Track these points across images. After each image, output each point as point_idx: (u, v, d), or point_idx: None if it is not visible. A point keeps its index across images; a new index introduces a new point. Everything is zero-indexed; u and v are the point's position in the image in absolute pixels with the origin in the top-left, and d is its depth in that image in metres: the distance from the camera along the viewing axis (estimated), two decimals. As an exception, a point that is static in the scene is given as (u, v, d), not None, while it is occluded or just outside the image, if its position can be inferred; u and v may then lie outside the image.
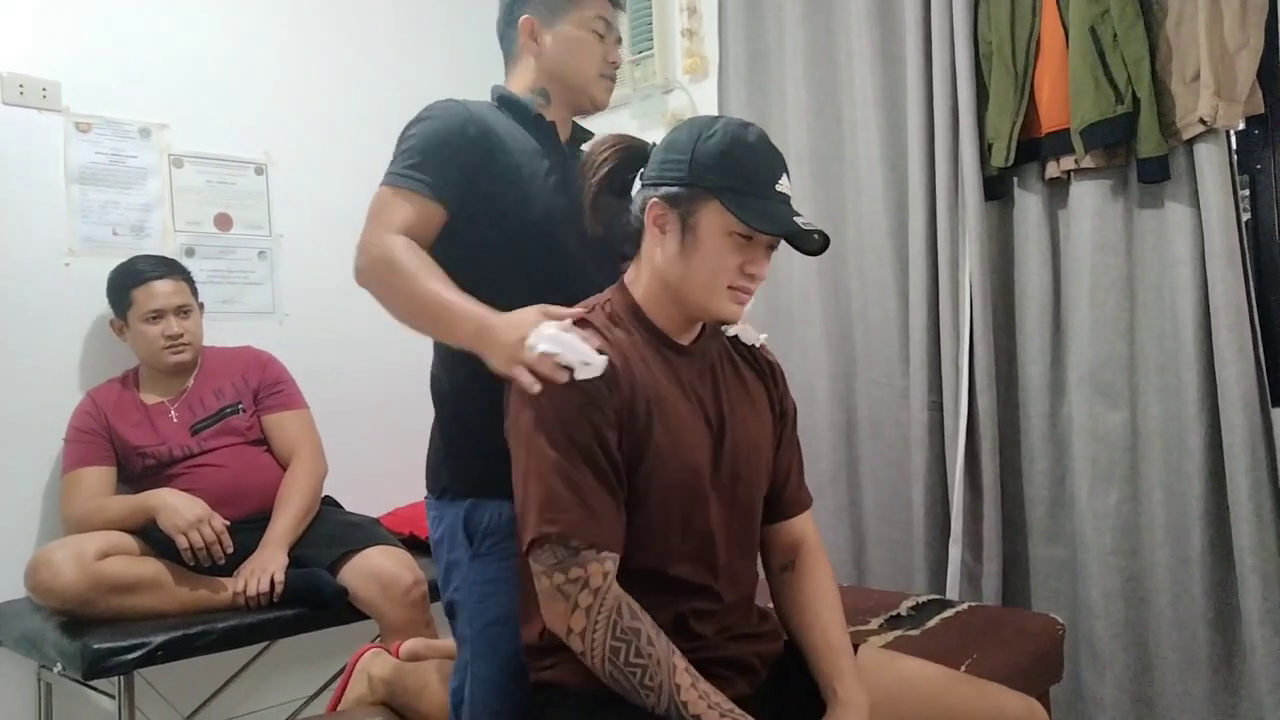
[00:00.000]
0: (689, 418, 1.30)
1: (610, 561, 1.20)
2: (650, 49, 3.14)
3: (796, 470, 1.50)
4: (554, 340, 1.22)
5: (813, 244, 1.30)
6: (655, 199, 1.29)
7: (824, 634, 1.38)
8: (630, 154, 1.37)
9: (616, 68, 1.64)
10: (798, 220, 1.26)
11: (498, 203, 1.48)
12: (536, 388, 1.21)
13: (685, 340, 1.35)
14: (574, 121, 1.68)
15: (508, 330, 1.27)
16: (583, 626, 1.18)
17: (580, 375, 1.22)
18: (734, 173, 1.26)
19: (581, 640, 1.19)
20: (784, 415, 1.48)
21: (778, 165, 1.30)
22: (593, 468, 1.21)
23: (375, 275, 1.41)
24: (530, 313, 1.29)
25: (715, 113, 2.91)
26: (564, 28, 1.58)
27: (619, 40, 1.65)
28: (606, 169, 1.36)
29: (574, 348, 1.22)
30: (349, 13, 3.06)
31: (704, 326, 1.38)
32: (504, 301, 1.34)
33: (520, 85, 1.62)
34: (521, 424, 1.24)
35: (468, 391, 1.48)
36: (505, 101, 1.60)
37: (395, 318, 1.42)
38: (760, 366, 1.47)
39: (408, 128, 1.52)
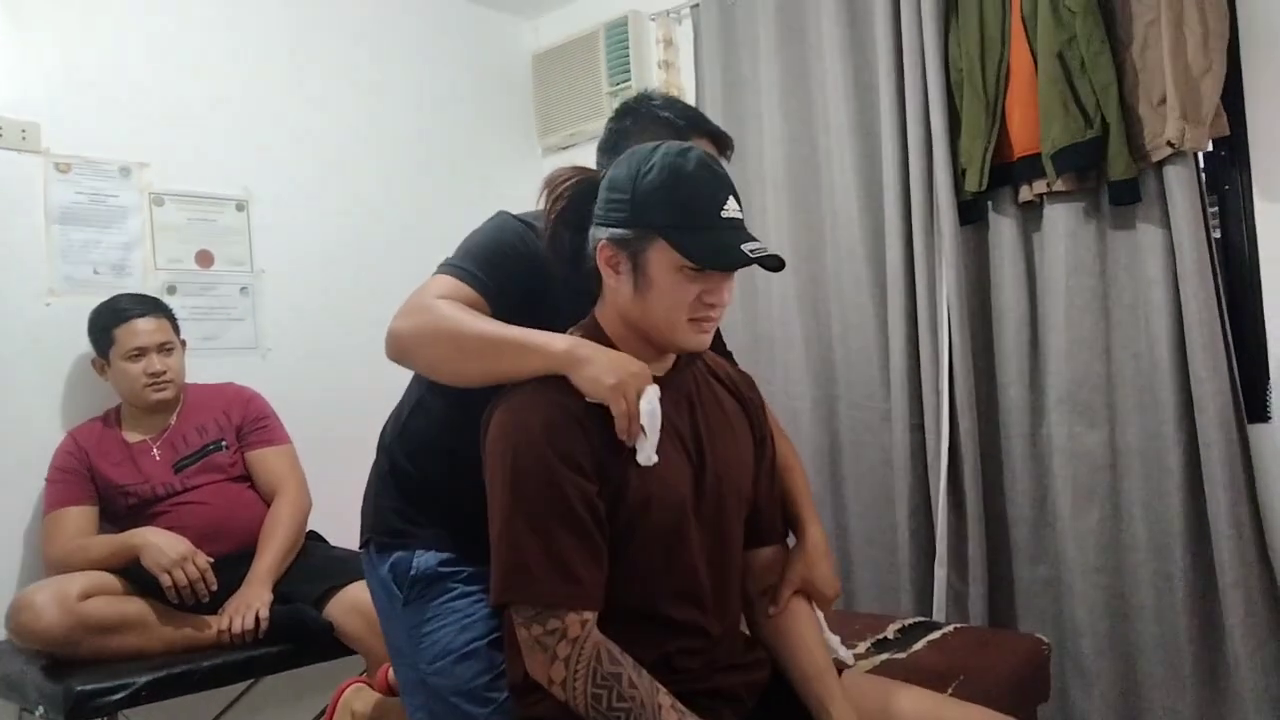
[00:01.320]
0: (668, 452, 1.30)
1: (589, 613, 1.21)
2: (628, 80, 3.17)
3: (776, 495, 1.51)
4: (653, 416, 1.25)
5: (767, 265, 1.26)
6: (604, 241, 1.28)
7: (809, 657, 1.38)
8: (586, 187, 1.34)
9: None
10: (746, 248, 1.23)
11: (532, 316, 1.39)
12: (634, 430, 1.23)
13: (659, 371, 1.33)
14: None
15: (612, 366, 1.25)
16: (563, 677, 1.18)
17: (639, 456, 1.25)
18: (676, 207, 1.23)
19: (563, 690, 1.19)
20: (763, 440, 1.48)
21: (721, 190, 1.26)
22: (570, 526, 1.20)
23: (426, 328, 1.35)
24: (632, 362, 1.27)
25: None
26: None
27: None
28: (560, 206, 1.33)
29: (655, 432, 1.25)
30: (326, 49, 3.08)
31: (678, 355, 1.37)
32: None
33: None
34: (499, 484, 1.23)
35: (414, 450, 1.50)
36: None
37: (448, 367, 1.36)
38: (738, 390, 1.47)
39: (475, 232, 1.49)
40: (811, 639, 1.40)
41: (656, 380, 1.31)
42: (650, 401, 1.25)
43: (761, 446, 1.47)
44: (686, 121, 1.55)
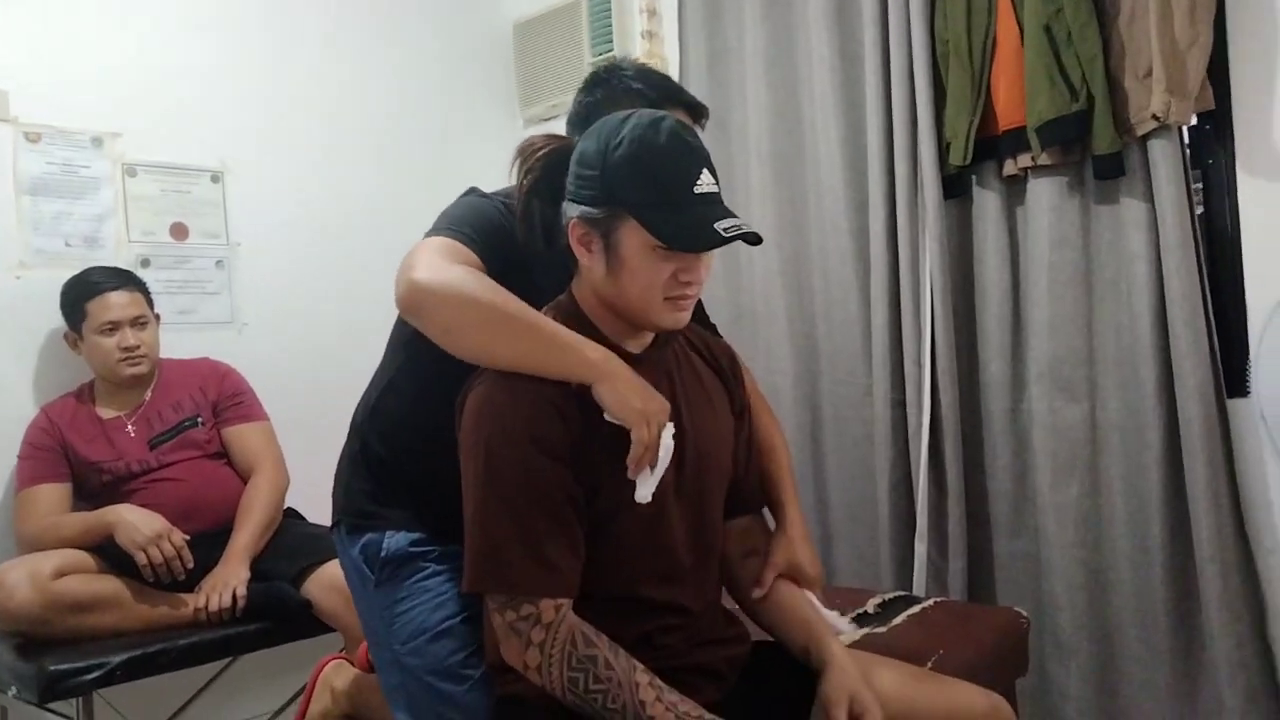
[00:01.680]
0: None
1: (564, 599, 1.20)
2: (611, 50, 3.13)
3: (755, 467, 1.50)
4: (666, 453, 1.23)
5: (745, 240, 1.22)
6: (574, 219, 1.24)
7: (794, 608, 1.40)
8: (559, 157, 1.28)
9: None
10: (719, 226, 1.19)
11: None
12: (646, 461, 1.22)
13: (637, 349, 1.31)
14: None
15: (642, 392, 1.23)
16: (538, 662, 1.17)
17: (639, 492, 1.23)
18: (647, 185, 1.19)
19: (539, 675, 1.18)
20: (742, 413, 1.47)
21: (694, 164, 1.21)
22: (546, 513, 1.19)
23: (456, 290, 1.26)
24: (658, 395, 1.26)
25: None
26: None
27: None
28: (533, 178, 1.28)
29: (662, 469, 1.24)
30: (303, 17, 3.03)
31: (657, 333, 1.35)
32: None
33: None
34: (474, 470, 1.21)
35: (385, 431, 1.49)
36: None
37: (470, 338, 1.27)
38: (718, 363, 1.45)
39: (455, 203, 1.46)
40: (795, 591, 1.42)
41: (633, 359, 1.29)
42: (667, 438, 1.23)
43: (741, 419, 1.46)
44: (659, 93, 1.49)
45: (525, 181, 1.29)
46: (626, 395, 1.21)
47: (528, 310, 1.26)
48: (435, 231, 1.37)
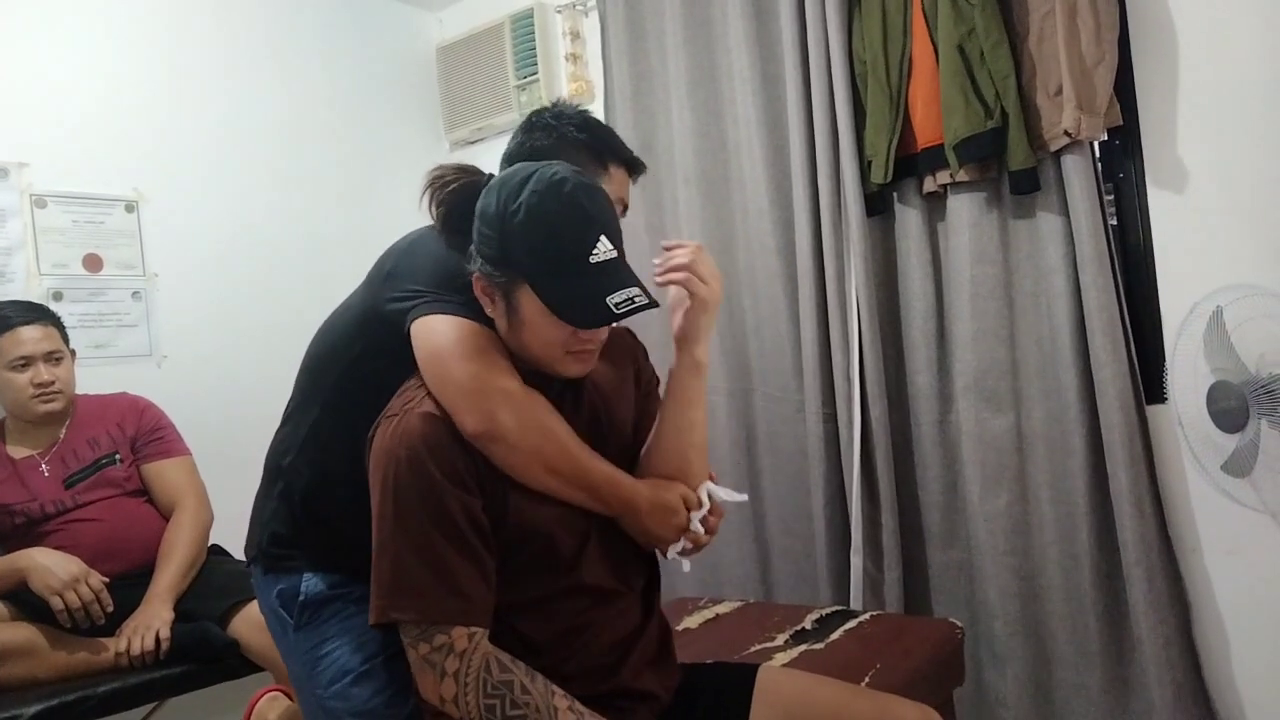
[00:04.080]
0: None
1: (477, 628, 1.18)
2: (535, 74, 3.13)
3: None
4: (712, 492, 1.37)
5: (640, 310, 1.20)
6: (476, 273, 1.23)
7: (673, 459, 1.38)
8: (467, 192, 1.28)
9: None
10: (612, 301, 1.17)
11: None
12: (706, 540, 1.35)
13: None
14: None
15: (673, 499, 1.35)
16: (454, 693, 1.15)
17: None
18: (542, 254, 1.17)
19: (456, 707, 1.16)
20: (646, 385, 1.47)
21: (592, 230, 1.18)
22: (455, 542, 1.18)
23: (533, 441, 1.24)
24: (674, 493, 1.35)
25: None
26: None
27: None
28: (443, 211, 1.29)
29: (718, 494, 1.38)
30: (221, 40, 2.97)
31: None
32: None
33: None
34: (381, 501, 1.20)
35: (309, 478, 1.43)
36: None
37: (521, 470, 1.25)
38: (623, 350, 1.46)
39: (405, 256, 1.37)
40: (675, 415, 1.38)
41: (544, 374, 1.28)
42: (723, 493, 1.39)
43: (645, 392, 1.46)
44: (603, 146, 1.48)
45: (437, 214, 1.29)
46: (669, 525, 1.33)
47: (588, 459, 1.29)
48: (443, 306, 1.28)
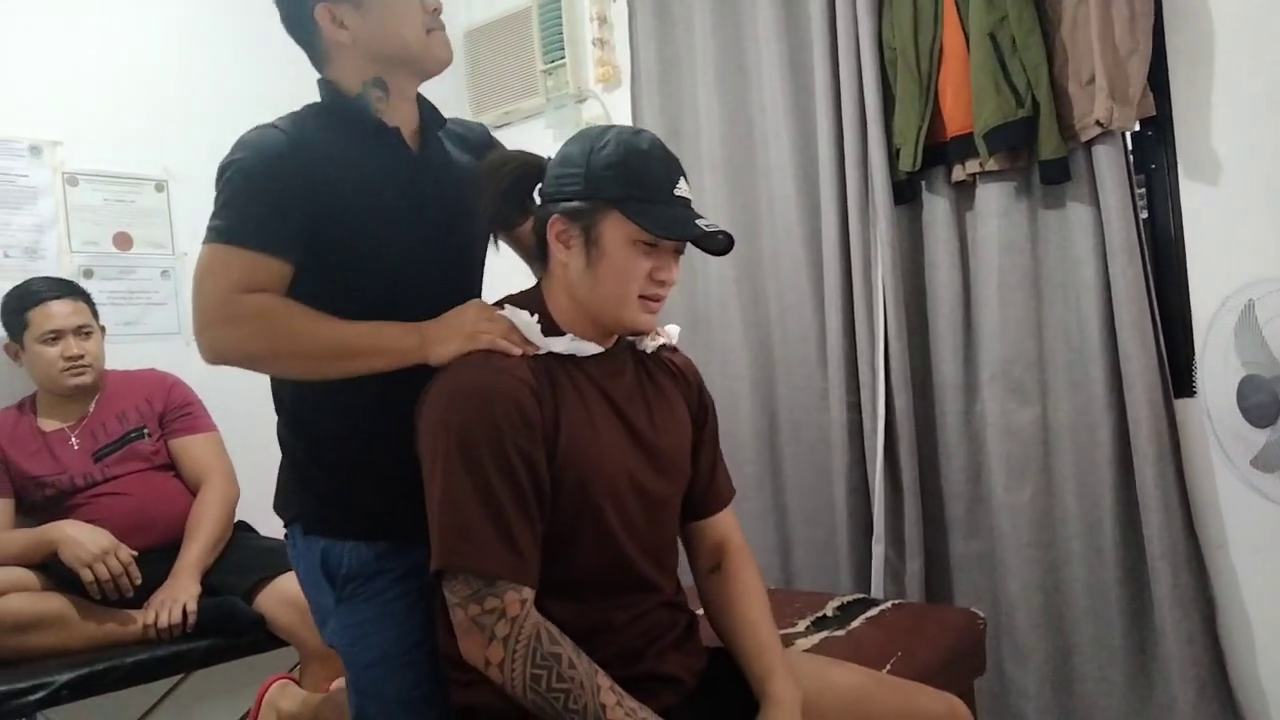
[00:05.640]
0: (606, 426, 1.29)
1: (528, 590, 1.18)
2: (562, 58, 3.13)
3: (719, 465, 1.51)
4: (518, 316, 1.27)
5: (717, 244, 1.30)
6: (556, 215, 1.27)
7: (753, 633, 1.38)
8: (528, 169, 1.35)
9: (439, 12, 1.41)
10: (700, 223, 1.25)
11: (348, 250, 1.33)
12: (516, 351, 1.24)
13: (602, 350, 1.33)
14: (421, 104, 1.47)
15: (453, 319, 1.28)
16: (500, 658, 1.16)
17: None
18: (631, 181, 1.25)
19: (500, 671, 1.16)
20: (702, 412, 1.48)
21: (674, 170, 1.29)
22: (517, 498, 1.18)
23: (248, 338, 1.26)
24: (469, 306, 1.30)
25: (630, 122, 2.91)
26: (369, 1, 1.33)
27: None
28: (505, 186, 1.33)
29: (533, 328, 1.27)
30: (250, 22, 2.97)
31: (620, 337, 1.37)
32: None
33: (346, 75, 1.38)
34: (441, 445, 1.19)
35: (330, 431, 1.40)
36: (335, 110, 1.38)
37: (285, 373, 1.33)
38: (671, 369, 1.47)
39: (223, 169, 1.31)
40: (756, 615, 1.40)
41: (597, 359, 1.31)
42: (509, 312, 1.29)
43: (700, 418, 1.47)
44: None
45: (498, 186, 1.32)
46: (449, 337, 1.25)
47: (328, 329, 1.26)
48: (209, 234, 1.29)
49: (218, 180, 1.32)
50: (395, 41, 1.36)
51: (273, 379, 1.45)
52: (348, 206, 1.32)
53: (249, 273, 1.26)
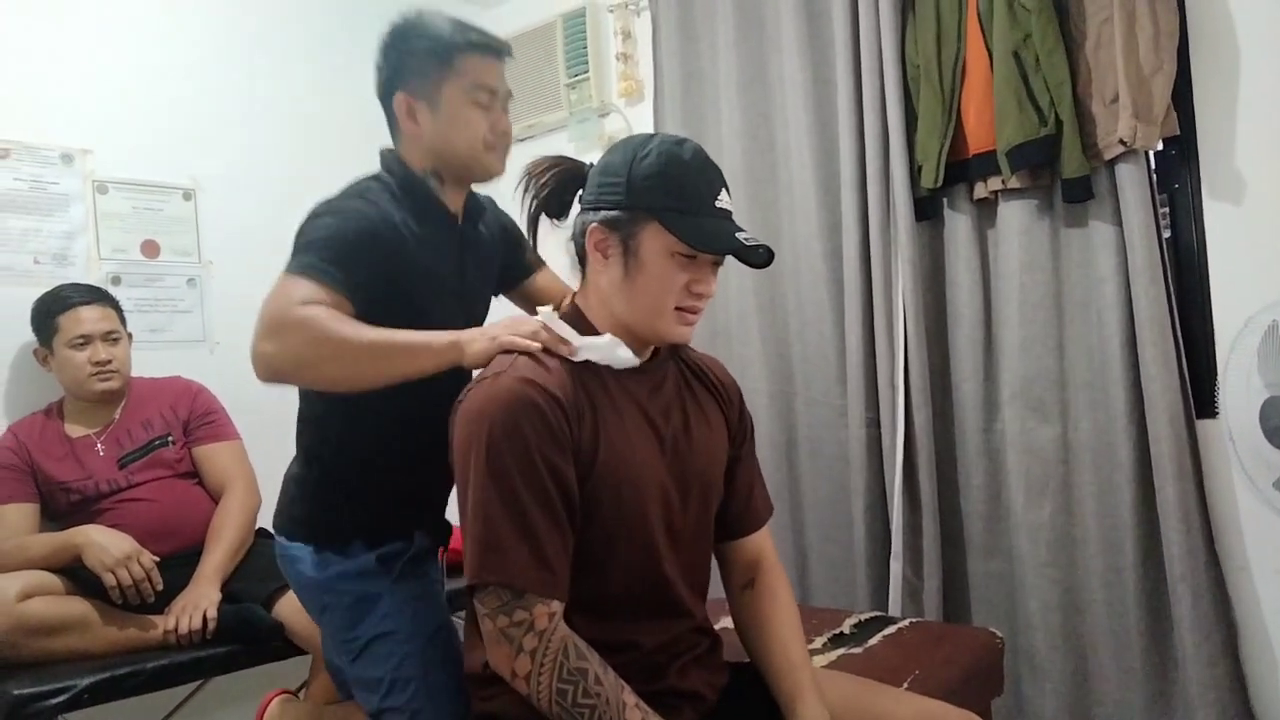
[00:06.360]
0: (641, 441, 1.29)
1: (557, 604, 1.19)
2: (586, 73, 3.15)
3: (757, 484, 1.51)
4: (553, 318, 1.28)
5: (758, 258, 1.27)
6: (595, 224, 1.28)
7: (784, 652, 1.38)
8: (568, 176, 1.35)
9: (508, 136, 1.54)
10: (740, 236, 1.25)
11: (396, 306, 1.42)
12: (537, 345, 1.26)
13: (639, 361, 1.33)
14: (469, 192, 1.62)
15: (483, 330, 1.34)
16: (527, 670, 1.16)
17: (581, 357, 1.27)
18: (672, 192, 1.24)
19: (527, 684, 1.17)
20: (741, 431, 1.48)
21: (716, 180, 1.28)
22: (545, 508, 1.18)
23: (297, 344, 1.32)
24: (504, 318, 1.38)
25: (651, 136, 2.92)
26: (443, 105, 1.48)
27: (508, 98, 1.55)
28: (545, 192, 1.33)
29: (569, 330, 1.28)
30: (277, 34, 3.02)
31: (657, 348, 1.37)
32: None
33: (412, 158, 1.53)
34: (472, 458, 1.20)
35: (362, 443, 1.52)
36: (406, 188, 1.51)
37: (331, 380, 1.38)
38: (713, 385, 1.46)
39: (310, 221, 1.45)
40: (787, 634, 1.40)
41: (634, 371, 1.32)
42: (542, 316, 1.30)
43: (738, 436, 1.47)
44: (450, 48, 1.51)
45: (539, 194, 1.34)
46: (479, 342, 1.30)
47: (370, 333, 1.32)
48: (299, 267, 1.38)
49: (300, 234, 1.44)
50: (453, 150, 1.50)
51: (316, 410, 1.56)
52: (409, 273, 1.46)
53: (310, 294, 1.34)
